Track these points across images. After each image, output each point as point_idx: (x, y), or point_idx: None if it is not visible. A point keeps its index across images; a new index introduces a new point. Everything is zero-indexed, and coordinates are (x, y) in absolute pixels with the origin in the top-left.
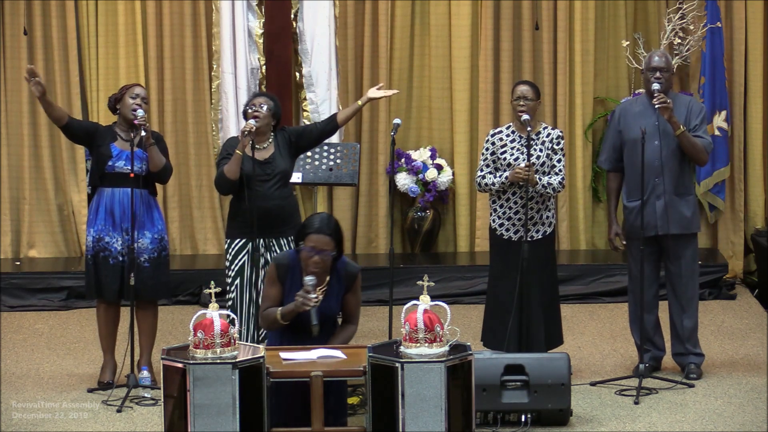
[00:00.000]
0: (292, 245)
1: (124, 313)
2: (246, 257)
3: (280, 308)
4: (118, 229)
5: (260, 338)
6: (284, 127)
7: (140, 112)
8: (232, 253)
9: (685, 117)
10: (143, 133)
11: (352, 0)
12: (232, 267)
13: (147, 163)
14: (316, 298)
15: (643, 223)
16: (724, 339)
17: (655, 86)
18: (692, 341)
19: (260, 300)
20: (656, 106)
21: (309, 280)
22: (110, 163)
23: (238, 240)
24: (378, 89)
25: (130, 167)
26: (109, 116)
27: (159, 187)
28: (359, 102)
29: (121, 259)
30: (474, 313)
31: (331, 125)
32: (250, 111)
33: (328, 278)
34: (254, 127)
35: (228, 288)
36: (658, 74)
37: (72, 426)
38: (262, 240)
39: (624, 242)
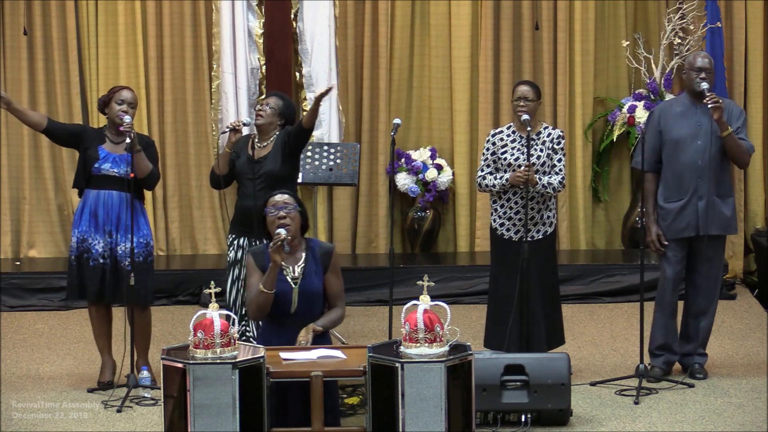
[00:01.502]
0: None
1: (118, 313)
2: (232, 253)
3: (259, 284)
4: (101, 231)
5: (241, 333)
6: (287, 127)
7: (127, 119)
8: (227, 246)
9: (726, 119)
10: (128, 140)
11: (352, 0)
12: (227, 260)
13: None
14: (285, 234)
15: (645, 225)
16: (724, 339)
17: (705, 86)
18: (704, 343)
19: (245, 294)
20: (709, 106)
21: (281, 230)
22: (96, 165)
23: (230, 236)
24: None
25: (116, 170)
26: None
27: (159, 187)
28: (309, 105)
29: (102, 261)
30: (474, 313)
31: (298, 129)
32: (257, 108)
33: (304, 255)
34: (241, 124)
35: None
36: (703, 74)
37: (72, 426)
38: (246, 239)
39: (665, 243)
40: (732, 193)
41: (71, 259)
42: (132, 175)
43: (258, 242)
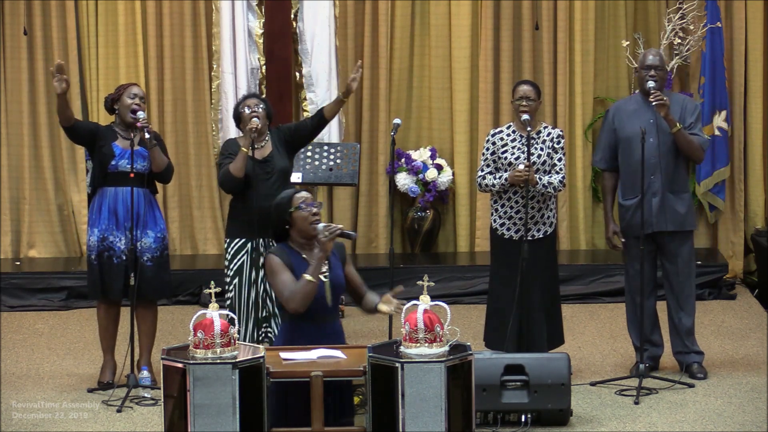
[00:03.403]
0: None
1: (124, 312)
2: (245, 257)
3: (303, 274)
4: (122, 228)
5: (260, 338)
6: (279, 125)
7: (141, 114)
8: (231, 252)
9: (679, 115)
10: (147, 136)
11: (352, 0)
12: (231, 266)
13: (149, 161)
14: (335, 226)
15: (643, 221)
16: (724, 339)
17: (651, 84)
18: (691, 339)
19: (279, 292)
20: (653, 104)
21: (321, 225)
22: (113, 162)
23: (237, 239)
24: (352, 80)
25: (131, 166)
26: (109, 116)
27: (159, 186)
28: (340, 94)
29: (125, 258)
30: (474, 313)
31: (319, 121)
32: (246, 111)
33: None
34: (259, 125)
35: (226, 287)
36: (652, 72)
37: (72, 426)
38: (262, 240)
39: (622, 240)
40: (687, 189)
41: (91, 258)
42: (132, 175)
43: (265, 241)
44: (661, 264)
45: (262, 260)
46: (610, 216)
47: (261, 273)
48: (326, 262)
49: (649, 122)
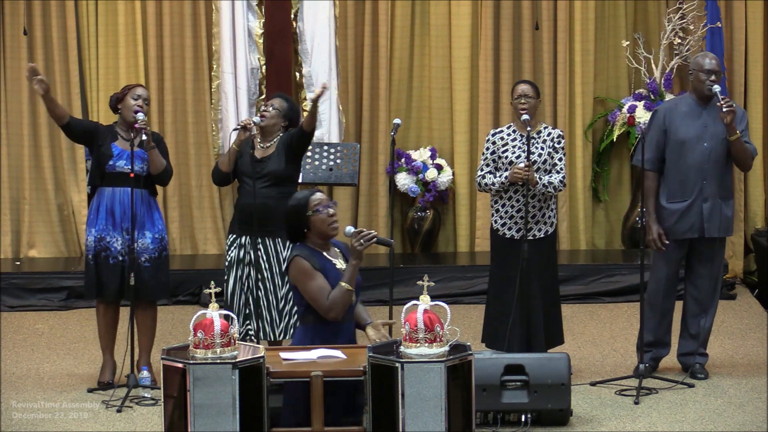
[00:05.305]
0: (279, 245)
1: (124, 312)
2: (234, 252)
3: (341, 282)
4: (119, 228)
5: (241, 335)
6: (289, 129)
7: (140, 116)
8: (227, 247)
9: None
10: (144, 137)
11: (352, 0)
12: (225, 262)
13: (148, 163)
14: (371, 232)
15: (643, 226)
16: (724, 339)
17: (717, 88)
18: (705, 342)
19: (315, 298)
20: (724, 109)
21: (350, 228)
22: (111, 162)
23: (231, 235)
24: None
25: (130, 167)
26: (109, 116)
27: (159, 187)
28: (308, 107)
29: (121, 258)
30: (474, 313)
31: (300, 132)
32: (261, 109)
33: (337, 251)
34: (252, 124)
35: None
36: (713, 77)
37: (72, 426)
38: (248, 237)
39: (666, 242)
40: (733, 195)
41: (88, 258)
42: (132, 174)
43: (252, 239)
44: (690, 267)
45: (248, 258)
46: (653, 217)
47: (245, 270)
48: (343, 262)
49: (702, 126)
